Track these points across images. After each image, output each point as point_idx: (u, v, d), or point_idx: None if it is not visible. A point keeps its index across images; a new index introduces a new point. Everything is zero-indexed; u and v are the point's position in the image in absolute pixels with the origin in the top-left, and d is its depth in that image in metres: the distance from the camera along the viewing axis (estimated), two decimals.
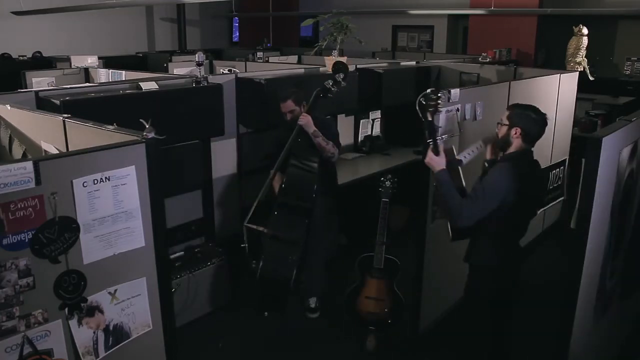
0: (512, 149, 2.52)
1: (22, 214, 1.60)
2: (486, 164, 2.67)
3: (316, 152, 3.47)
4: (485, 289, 2.63)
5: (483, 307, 2.67)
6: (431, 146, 2.53)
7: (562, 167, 4.85)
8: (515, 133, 2.48)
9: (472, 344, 2.82)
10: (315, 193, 3.40)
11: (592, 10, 8.89)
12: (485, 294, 2.63)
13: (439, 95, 2.54)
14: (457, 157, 2.59)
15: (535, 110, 2.53)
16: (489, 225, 2.49)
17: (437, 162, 2.52)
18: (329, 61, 4.55)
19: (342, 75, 3.47)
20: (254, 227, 3.41)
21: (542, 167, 4.42)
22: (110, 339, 1.91)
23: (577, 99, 5.11)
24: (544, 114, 2.54)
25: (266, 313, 3.60)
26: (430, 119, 2.54)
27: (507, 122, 2.51)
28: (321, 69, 4.67)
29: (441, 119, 3.13)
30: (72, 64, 5.59)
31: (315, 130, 3.43)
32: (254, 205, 3.45)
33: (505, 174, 2.43)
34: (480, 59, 7.84)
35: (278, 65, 5.94)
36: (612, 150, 2.07)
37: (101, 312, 1.86)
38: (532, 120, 2.48)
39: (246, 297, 3.78)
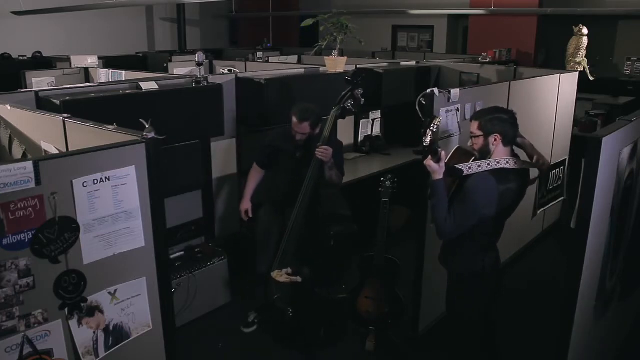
0: (495, 156, 2.44)
1: (22, 214, 1.60)
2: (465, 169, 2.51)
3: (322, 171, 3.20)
4: (471, 297, 2.57)
5: (471, 317, 2.61)
6: (431, 155, 2.40)
7: (562, 167, 4.85)
8: (495, 140, 2.43)
9: (470, 345, 2.82)
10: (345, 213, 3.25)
11: (592, 10, 8.89)
12: (471, 302, 2.58)
13: (430, 121, 2.40)
14: (458, 166, 2.46)
15: (503, 110, 2.49)
16: (471, 234, 2.44)
17: (435, 169, 2.40)
18: (329, 61, 4.55)
19: (361, 91, 3.13)
20: (288, 279, 3.14)
21: None
22: (110, 339, 1.90)
23: (577, 99, 5.11)
24: (512, 111, 2.50)
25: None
26: (427, 140, 2.39)
27: (480, 133, 2.44)
28: (321, 69, 4.67)
29: (441, 119, 3.14)
30: (72, 64, 5.59)
31: (332, 162, 3.15)
32: (281, 252, 3.17)
33: (486, 189, 2.36)
34: (480, 59, 7.85)
35: (278, 65, 5.94)
36: (612, 150, 2.07)
37: (101, 312, 1.86)
38: (505, 122, 2.43)
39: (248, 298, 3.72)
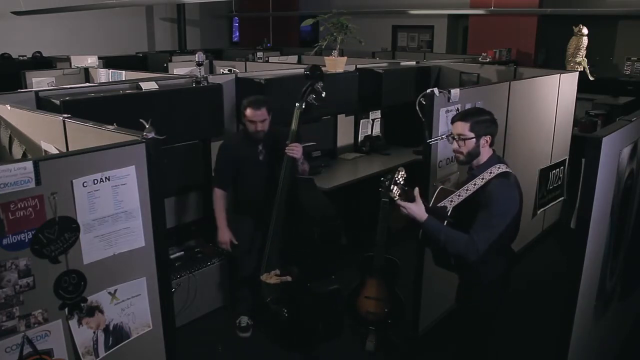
0: (483, 158, 2.44)
1: (22, 214, 1.60)
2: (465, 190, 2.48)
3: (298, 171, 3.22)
4: (490, 301, 2.55)
5: (487, 319, 2.61)
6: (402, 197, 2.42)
7: (562, 167, 4.85)
8: (486, 142, 2.42)
9: (471, 345, 2.82)
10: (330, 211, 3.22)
11: (592, 10, 8.89)
12: (490, 307, 2.57)
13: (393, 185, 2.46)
14: (440, 205, 2.45)
15: (486, 112, 2.49)
16: (499, 239, 2.39)
17: (415, 211, 2.37)
18: (329, 61, 4.55)
19: (321, 84, 3.17)
20: (278, 280, 3.14)
21: (542, 167, 4.48)
22: (110, 339, 1.90)
23: (577, 99, 5.12)
24: (491, 112, 2.51)
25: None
26: (396, 195, 2.44)
27: (472, 135, 2.40)
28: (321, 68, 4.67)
29: (441, 119, 3.14)
30: (72, 64, 5.59)
31: (303, 157, 3.17)
32: (266, 255, 3.19)
33: (508, 190, 2.36)
34: (480, 59, 7.85)
35: (278, 65, 5.94)
36: (612, 150, 2.07)
37: (101, 312, 1.86)
38: (493, 124, 2.45)
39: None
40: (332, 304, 3.26)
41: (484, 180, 2.38)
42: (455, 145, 2.46)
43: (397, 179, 2.45)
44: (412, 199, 2.40)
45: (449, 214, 2.42)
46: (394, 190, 2.39)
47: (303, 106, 3.15)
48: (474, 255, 2.32)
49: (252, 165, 3.31)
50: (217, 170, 3.41)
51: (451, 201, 2.43)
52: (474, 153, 2.43)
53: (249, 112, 3.20)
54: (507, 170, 2.42)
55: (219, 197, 3.37)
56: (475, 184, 2.39)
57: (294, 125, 3.16)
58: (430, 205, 2.50)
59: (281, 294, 3.22)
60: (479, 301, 2.56)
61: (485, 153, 2.44)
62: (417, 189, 2.42)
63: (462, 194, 2.42)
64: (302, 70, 4.67)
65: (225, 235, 3.36)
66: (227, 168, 3.36)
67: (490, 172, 2.38)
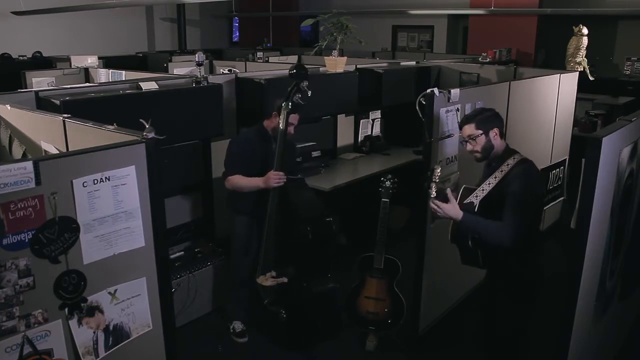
0: (499, 150, 2.57)
1: (22, 214, 1.60)
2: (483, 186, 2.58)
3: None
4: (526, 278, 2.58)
5: (529, 288, 2.62)
6: (437, 198, 2.51)
7: (562, 167, 4.85)
8: (495, 134, 2.54)
9: (472, 344, 2.82)
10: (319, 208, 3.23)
11: (592, 10, 8.89)
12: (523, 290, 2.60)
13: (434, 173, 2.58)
14: (466, 202, 2.54)
15: (487, 109, 2.65)
16: (533, 223, 2.51)
17: (452, 211, 2.47)
18: (329, 61, 4.55)
19: (306, 83, 3.15)
20: (274, 281, 3.14)
21: (542, 167, 4.49)
22: (110, 339, 1.90)
23: (577, 99, 5.12)
24: (493, 108, 2.68)
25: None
26: (433, 193, 2.54)
27: (480, 132, 2.53)
28: (321, 69, 4.67)
29: (441, 119, 3.15)
30: (72, 64, 5.59)
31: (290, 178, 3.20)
32: (262, 257, 3.16)
33: (531, 173, 2.49)
34: (480, 59, 7.84)
35: (278, 65, 5.94)
36: (612, 150, 2.07)
37: (101, 312, 1.86)
38: (496, 117, 2.58)
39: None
40: (330, 303, 3.26)
41: (503, 173, 2.50)
42: (469, 146, 2.59)
43: (434, 177, 2.55)
44: (445, 199, 2.48)
45: (475, 209, 2.50)
46: (432, 188, 2.50)
47: (290, 106, 3.13)
48: (510, 240, 2.38)
49: (263, 163, 3.23)
50: (232, 161, 3.27)
51: (476, 196, 2.53)
52: (488, 147, 2.56)
53: (293, 115, 3.19)
54: (525, 157, 2.55)
55: (238, 177, 3.21)
56: (496, 177, 2.51)
57: (281, 125, 3.13)
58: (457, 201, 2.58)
59: (278, 296, 3.22)
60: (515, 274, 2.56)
61: (499, 145, 2.57)
62: (449, 190, 2.51)
63: (485, 188, 2.53)
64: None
65: (269, 178, 3.11)
66: (243, 160, 3.25)
67: (508, 165, 2.51)
